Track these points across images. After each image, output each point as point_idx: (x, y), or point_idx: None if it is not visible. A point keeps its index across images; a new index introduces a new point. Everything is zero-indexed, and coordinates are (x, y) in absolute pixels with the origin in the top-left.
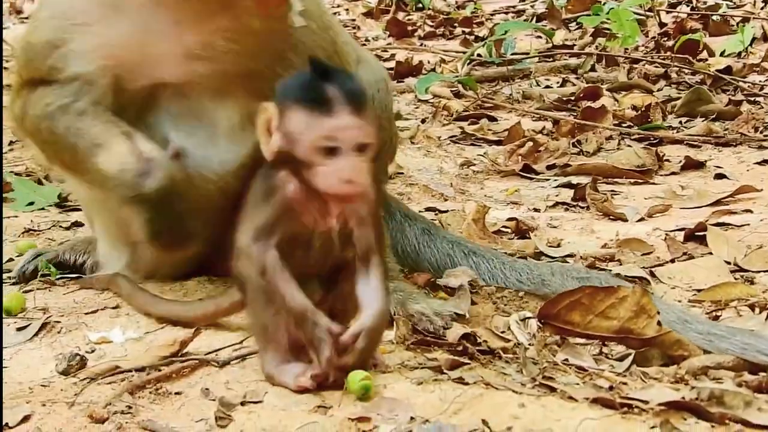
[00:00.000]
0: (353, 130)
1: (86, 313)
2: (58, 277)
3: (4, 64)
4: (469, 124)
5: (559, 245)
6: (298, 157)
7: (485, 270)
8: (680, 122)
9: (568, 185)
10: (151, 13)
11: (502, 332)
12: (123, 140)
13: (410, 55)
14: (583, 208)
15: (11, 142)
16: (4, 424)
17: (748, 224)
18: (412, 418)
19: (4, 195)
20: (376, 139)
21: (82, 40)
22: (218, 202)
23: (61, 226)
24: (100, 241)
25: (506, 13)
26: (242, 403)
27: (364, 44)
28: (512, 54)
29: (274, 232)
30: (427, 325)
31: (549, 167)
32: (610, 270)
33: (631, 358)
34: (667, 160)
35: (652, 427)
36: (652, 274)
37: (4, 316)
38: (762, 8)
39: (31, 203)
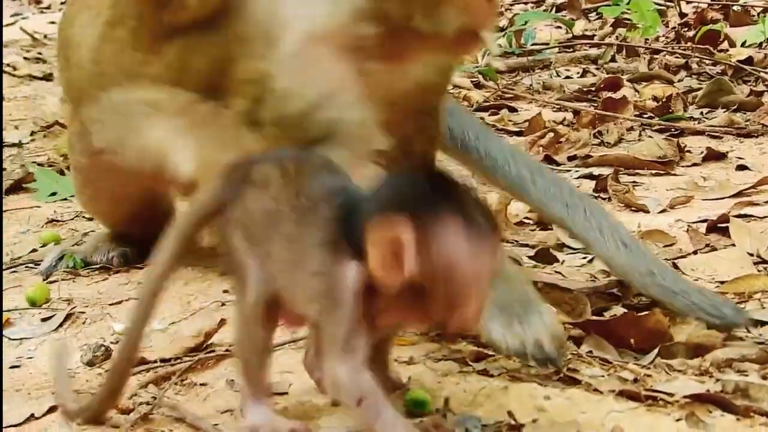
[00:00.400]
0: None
1: (110, 304)
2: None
3: (25, 55)
4: (489, 115)
5: None
6: (431, 289)
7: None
8: (701, 113)
9: (590, 176)
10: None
11: None
12: None
13: None
14: (604, 199)
15: (33, 132)
16: (30, 414)
17: None
18: (437, 409)
19: (26, 186)
20: None
21: None
22: None
23: (84, 217)
24: None
25: (525, 3)
26: None
27: None
28: (532, 44)
29: (359, 344)
30: None
31: (570, 158)
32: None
33: (655, 351)
34: (689, 151)
35: (678, 420)
36: (675, 266)
37: (28, 306)
38: None
39: (54, 194)
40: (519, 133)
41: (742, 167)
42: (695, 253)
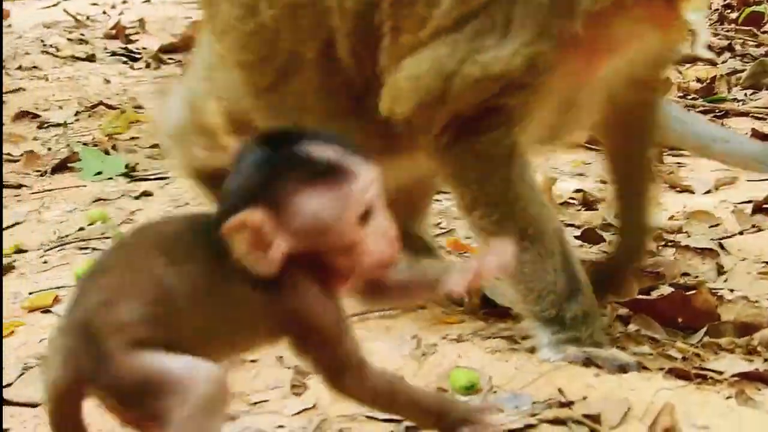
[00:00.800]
0: (373, 177)
1: None
2: None
3: (68, 36)
4: None
5: None
6: (322, 250)
7: None
8: (745, 94)
9: None
10: None
11: None
12: None
13: None
14: None
15: (77, 113)
16: None
17: None
18: (489, 386)
19: (71, 165)
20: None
21: None
22: None
23: (130, 196)
24: None
25: None
26: None
27: None
28: None
29: (352, 349)
30: None
31: None
32: (679, 241)
33: (703, 330)
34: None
35: (728, 398)
36: (721, 246)
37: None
38: None
39: (99, 173)
40: None
41: None
42: (741, 233)
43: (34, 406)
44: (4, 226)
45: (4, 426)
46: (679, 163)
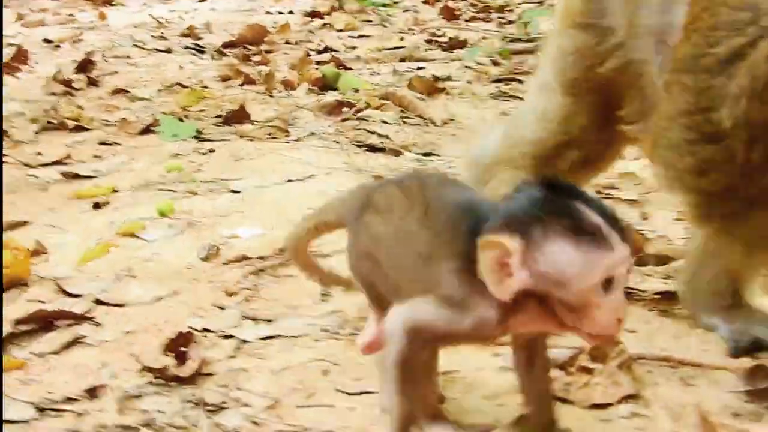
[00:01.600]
0: (627, 256)
1: (221, 216)
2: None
3: (152, 34)
4: (504, 85)
5: None
6: (554, 298)
7: None
8: None
9: None
10: None
11: None
12: None
13: (458, 33)
14: None
15: (159, 90)
16: (159, 297)
17: None
18: None
19: (153, 129)
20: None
21: None
22: None
23: (199, 152)
24: None
25: (531, 3)
26: None
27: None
28: (536, 33)
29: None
30: None
31: None
32: (612, 194)
33: (632, 260)
34: None
35: (649, 310)
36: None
37: (159, 217)
38: None
39: (175, 135)
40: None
41: None
42: (659, 190)
43: (121, 306)
44: (105, 172)
45: (101, 321)
46: None
